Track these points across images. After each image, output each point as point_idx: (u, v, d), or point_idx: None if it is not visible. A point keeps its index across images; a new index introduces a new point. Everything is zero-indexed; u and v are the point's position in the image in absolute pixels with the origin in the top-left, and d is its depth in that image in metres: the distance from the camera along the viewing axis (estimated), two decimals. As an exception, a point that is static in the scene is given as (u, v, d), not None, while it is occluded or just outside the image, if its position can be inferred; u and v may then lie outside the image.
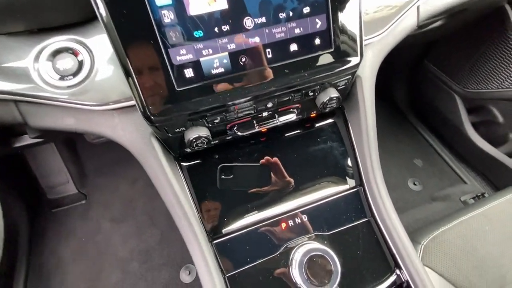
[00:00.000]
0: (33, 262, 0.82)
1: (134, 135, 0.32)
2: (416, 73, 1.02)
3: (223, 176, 0.37)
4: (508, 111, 0.83)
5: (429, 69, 0.95)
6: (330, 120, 0.41)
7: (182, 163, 0.37)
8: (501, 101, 0.82)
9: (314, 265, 0.32)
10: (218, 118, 0.31)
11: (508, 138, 0.85)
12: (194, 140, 0.31)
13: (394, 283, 0.36)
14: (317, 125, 0.41)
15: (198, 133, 0.30)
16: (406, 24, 0.38)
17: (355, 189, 0.40)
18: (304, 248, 0.34)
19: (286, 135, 0.40)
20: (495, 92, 0.77)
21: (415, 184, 0.95)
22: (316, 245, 0.34)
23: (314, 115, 0.39)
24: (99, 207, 0.93)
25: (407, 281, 0.36)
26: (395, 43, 0.39)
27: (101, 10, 0.23)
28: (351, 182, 0.40)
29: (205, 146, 0.35)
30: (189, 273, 0.79)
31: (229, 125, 0.33)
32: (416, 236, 0.50)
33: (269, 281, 0.35)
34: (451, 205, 0.86)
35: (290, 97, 0.32)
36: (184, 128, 0.30)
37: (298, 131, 0.41)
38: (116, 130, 0.31)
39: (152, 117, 0.28)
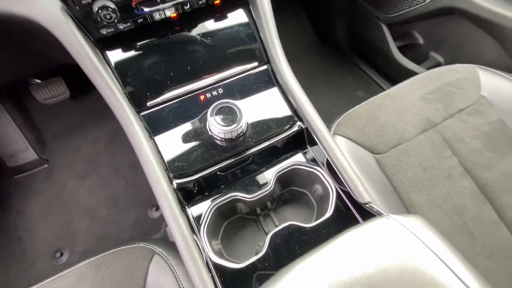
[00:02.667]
0: (1, 225, 0.84)
1: (53, 11, 0.35)
2: (351, 13, 1.11)
3: (145, 59, 0.43)
4: (425, 32, 0.94)
5: (360, 5, 1.03)
6: (237, 9, 0.48)
7: (104, 52, 0.42)
8: (418, 22, 0.92)
9: (222, 111, 0.39)
10: (123, -9, 0.36)
11: (429, 55, 0.96)
12: (100, 11, 0.35)
13: (295, 130, 0.44)
14: (226, 14, 0.47)
15: (103, 3, 0.35)
16: None
17: (263, 66, 0.47)
18: (217, 108, 0.40)
19: (199, 24, 0.46)
20: (409, 11, 0.87)
21: (356, 111, 1.06)
22: (224, 100, 0.41)
23: (218, 1, 0.45)
24: (62, 168, 0.95)
25: (306, 128, 0.43)
26: None
27: None
28: (260, 60, 0.47)
29: (120, 27, 0.40)
30: (156, 209, 0.85)
31: (134, 2, 0.38)
32: (332, 120, 0.58)
33: (191, 136, 0.41)
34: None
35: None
36: (90, 0, 0.35)
37: (210, 19, 0.46)
38: (30, 7, 0.35)
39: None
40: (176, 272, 0.41)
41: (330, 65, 1.21)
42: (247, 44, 0.47)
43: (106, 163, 0.95)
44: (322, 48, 1.28)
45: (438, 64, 0.97)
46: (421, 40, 0.96)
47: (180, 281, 0.40)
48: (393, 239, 0.27)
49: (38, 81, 0.87)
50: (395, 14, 0.92)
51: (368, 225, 0.30)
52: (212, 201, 0.41)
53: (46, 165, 0.96)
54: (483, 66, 0.64)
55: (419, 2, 0.83)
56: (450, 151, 0.54)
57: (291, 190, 0.48)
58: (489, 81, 0.61)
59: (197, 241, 0.36)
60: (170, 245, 0.46)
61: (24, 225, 0.85)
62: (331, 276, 0.24)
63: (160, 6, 0.40)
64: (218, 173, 0.41)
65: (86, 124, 1.01)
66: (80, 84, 0.97)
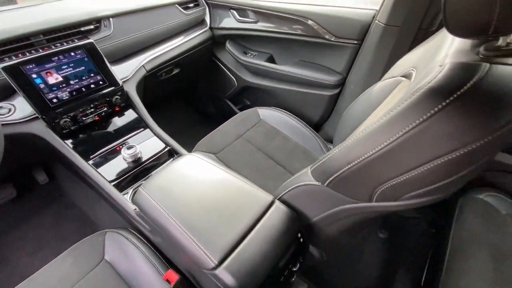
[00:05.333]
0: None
1: (41, 127, 0.83)
2: (210, 98, 1.86)
3: (85, 138, 0.92)
4: (249, 97, 1.70)
5: (210, 92, 1.79)
6: (128, 110, 1.04)
7: (65, 139, 0.90)
8: (242, 93, 1.69)
9: (128, 148, 0.90)
10: (72, 113, 0.88)
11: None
12: (63, 123, 0.86)
13: (167, 150, 0.97)
14: (123, 112, 1.03)
15: (64, 120, 0.86)
16: (140, 72, 1.09)
17: (146, 129, 1.02)
18: (126, 147, 0.91)
19: (110, 119, 1.00)
20: (233, 91, 1.63)
21: (229, 148, 1.69)
22: (130, 145, 0.92)
23: (118, 109, 1.01)
24: (14, 252, 1.16)
25: (171, 148, 0.98)
26: (140, 78, 1.08)
27: (19, 91, 0.79)
28: (144, 127, 1.02)
29: (72, 128, 0.90)
30: (103, 250, 1.15)
31: (78, 116, 0.90)
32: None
33: (116, 164, 0.89)
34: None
35: (99, 102, 0.93)
36: (58, 120, 0.86)
37: (115, 117, 1.01)
38: (32, 127, 0.82)
39: (44, 117, 0.82)
40: (121, 233, 0.82)
41: (208, 128, 1.88)
42: (136, 124, 1.02)
43: (52, 237, 1.22)
44: (202, 120, 1.96)
45: (260, 112, 1.73)
46: (248, 102, 1.73)
47: (124, 236, 0.81)
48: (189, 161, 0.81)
49: (-11, 190, 1.18)
50: (227, 94, 1.68)
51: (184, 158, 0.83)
52: (132, 190, 0.87)
53: (-4, 258, 1.16)
54: (260, 107, 1.35)
55: (233, 87, 1.60)
56: (250, 144, 1.17)
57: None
58: (263, 112, 1.32)
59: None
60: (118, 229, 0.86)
61: (-16, 307, 1.01)
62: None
63: (91, 116, 0.93)
64: (130, 176, 0.89)
65: (30, 215, 1.28)
66: (25, 184, 1.30)
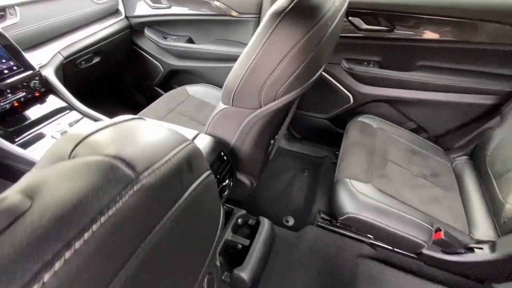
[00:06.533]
0: None
1: None
2: (133, 81, 1.89)
3: (9, 123, 0.92)
4: (183, 80, 1.80)
5: (138, 82, 1.83)
6: (49, 95, 1.05)
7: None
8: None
9: (56, 125, 0.93)
10: (-13, 99, 0.87)
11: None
12: (-21, 108, 0.85)
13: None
14: (45, 99, 1.04)
15: (-20, 105, 0.85)
16: (57, 58, 1.10)
17: (73, 110, 1.05)
18: (54, 124, 0.94)
19: (35, 104, 1.00)
20: (155, 82, 1.71)
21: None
22: (58, 123, 0.95)
23: (38, 94, 1.01)
24: None
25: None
26: (57, 64, 1.10)
27: None
28: (70, 110, 1.05)
29: (-11, 114, 0.89)
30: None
31: (-6, 102, 0.89)
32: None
33: (46, 145, 0.92)
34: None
35: (15, 87, 0.94)
36: (-27, 106, 0.84)
37: (37, 104, 1.02)
38: None
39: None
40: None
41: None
42: (61, 107, 1.05)
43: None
44: (132, 112, 1.98)
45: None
46: (177, 87, 1.83)
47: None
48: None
49: None
50: (155, 81, 1.75)
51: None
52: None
53: None
54: (188, 85, 1.48)
55: (159, 72, 1.68)
56: (182, 116, 1.28)
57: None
58: (191, 89, 1.45)
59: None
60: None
61: None
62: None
63: (8, 102, 0.93)
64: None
65: None
66: None
